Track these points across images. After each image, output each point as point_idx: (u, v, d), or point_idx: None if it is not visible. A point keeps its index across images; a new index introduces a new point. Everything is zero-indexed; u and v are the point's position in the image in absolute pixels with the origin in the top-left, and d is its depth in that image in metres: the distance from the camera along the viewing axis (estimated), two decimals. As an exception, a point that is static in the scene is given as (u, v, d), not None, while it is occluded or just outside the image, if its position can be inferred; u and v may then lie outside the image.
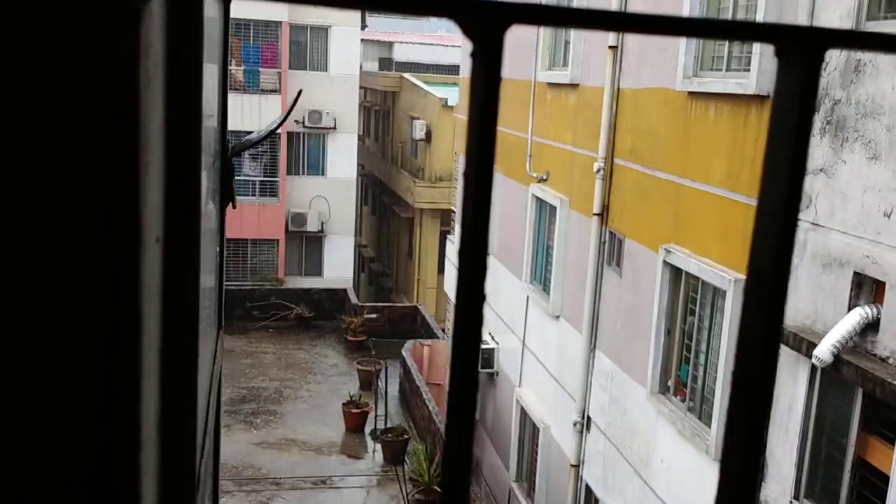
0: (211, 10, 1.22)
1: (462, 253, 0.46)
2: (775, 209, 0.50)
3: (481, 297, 0.51)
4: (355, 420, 17.50)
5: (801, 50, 0.47)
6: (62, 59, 0.40)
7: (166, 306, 0.61)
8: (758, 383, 0.52)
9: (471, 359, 0.54)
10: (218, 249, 1.56)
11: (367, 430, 17.53)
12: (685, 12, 8.31)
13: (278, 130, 25.01)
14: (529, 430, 12.82)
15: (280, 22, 24.87)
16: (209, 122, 1.28)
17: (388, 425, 17.11)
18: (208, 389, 1.19)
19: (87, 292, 0.43)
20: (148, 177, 0.46)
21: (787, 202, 0.50)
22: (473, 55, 0.46)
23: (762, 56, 7.12)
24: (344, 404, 17.74)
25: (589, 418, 10.68)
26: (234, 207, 1.62)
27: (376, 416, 17.39)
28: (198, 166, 0.70)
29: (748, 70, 7.44)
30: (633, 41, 9.68)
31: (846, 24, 6.17)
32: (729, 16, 7.92)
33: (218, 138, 1.45)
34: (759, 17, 7.13)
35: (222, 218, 1.58)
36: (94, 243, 0.43)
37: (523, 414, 12.97)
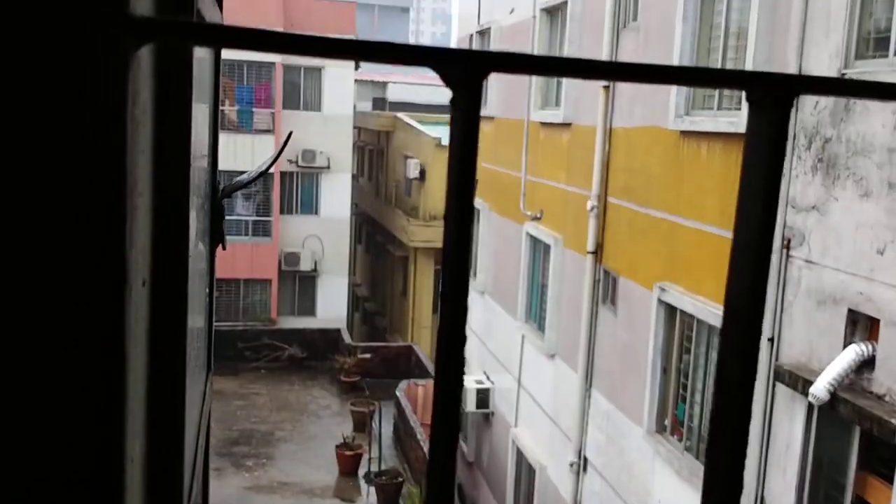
0: (201, 50, 1.24)
1: (443, 297, 0.47)
2: (749, 247, 0.51)
3: (462, 339, 0.52)
4: (349, 462, 17.30)
5: (772, 96, 0.49)
6: (50, 104, 0.41)
7: (153, 349, 0.62)
8: (736, 417, 0.52)
9: (453, 400, 0.54)
10: (208, 290, 1.57)
11: (361, 472, 17.31)
12: (675, 53, 8.44)
13: (271, 170, 25.13)
14: (526, 470, 12.69)
15: (274, 63, 25.14)
16: (200, 162, 1.29)
17: (383, 468, 16.91)
18: (196, 431, 1.18)
19: (71, 335, 0.44)
20: (135, 220, 0.47)
21: (760, 241, 0.51)
22: (452, 102, 0.47)
23: (751, 96, 7.21)
24: (337, 446, 17.55)
25: (586, 459, 10.58)
26: (223, 248, 1.63)
27: (370, 459, 17.19)
28: (186, 210, 0.71)
29: (739, 109, 7.54)
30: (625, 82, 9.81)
31: (835, 63, 6.27)
32: (719, 56, 8.04)
33: (208, 179, 1.46)
34: (749, 57, 7.24)
35: (212, 259, 1.58)
36: (78, 287, 0.44)
37: (519, 454, 12.85)
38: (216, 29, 0.41)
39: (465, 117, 0.47)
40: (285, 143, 2.77)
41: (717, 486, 0.51)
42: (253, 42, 0.43)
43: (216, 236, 1.51)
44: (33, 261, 0.43)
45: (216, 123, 1.61)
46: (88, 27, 0.41)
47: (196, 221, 1.21)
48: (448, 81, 0.48)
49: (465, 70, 0.46)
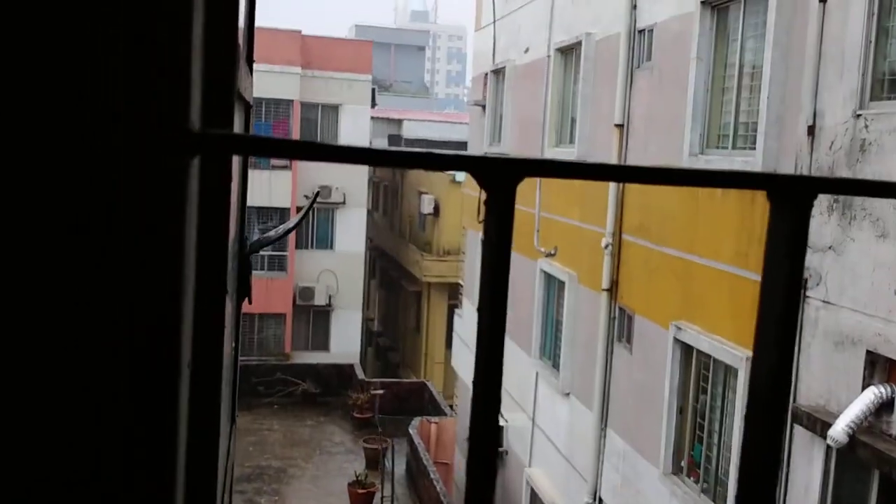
0: (236, 122, 1.28)
1: (475, 400, 0.49)
2: (772, 342, 0.53)
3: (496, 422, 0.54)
4: (361, 501, 17.15)
5: (791, 196, 0.51)
6: (123, 213, 0.45)
7: (191, 432, 0.64)
8: (765, 458, 0.54)
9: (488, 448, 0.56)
10: (234, 345, 1.59)
11: (374, 509, 17.15)
12: (689, 93, 8.49)
13: (287, 205, 25.32)
14: (540, 510, 12.54)
15: (292, 101, 25.45)
16: (231, 222, 1.33)
17: (396, 505, 16.74)
18: (222, 489, 1.19)
19: (129, 423, 0.46)
20: (183, 307, 0.50)
21: (784, 333, 0.52)
22: (487, 204, 0.50)
23: (767, 135, 7.24)
24: (350, 484, 17.42)
25: (601, 499, 10.45)
26: (250, 303, 1.66)
27: (383, 497, 17.04)
28: (223, 291, 0.74)
29: (754, 148, 7.56)
30: (638, 119, 9.87)
31: (850, 104, 6.29)
32: (733, 96, 8.09)
33: (237, 236, 1.50)
34: (763, 98, 7.27)
35: (238, 314, 1.61)
36: (136, 373, 0.46)
37: (533, 495, 12.71)
38: (260, 141, 0.44)
39: (499, 220, 0.50)
40: (312, 201, 2.82)
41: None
42: (291, 152, 0.46)
43: (243, 291, 1.54)
44: (101, 352, 0.46)
45: (245, 178, 1.65)
46: (153, 142, 0.44)
47: (228, 283, 1.24)
48: (483, 185, 0.50)
49: (500, 175, 0.49)
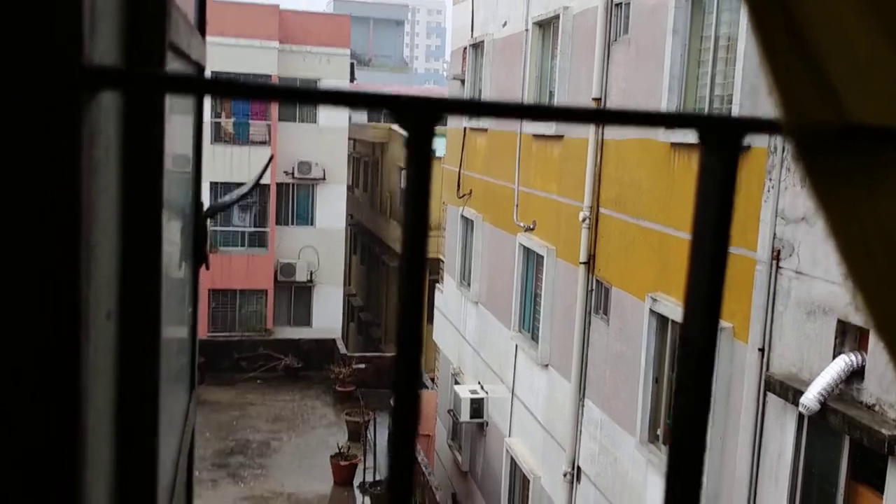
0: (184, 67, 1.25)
1: (398, 336, 0.48)
2: (702, 280, 0.52)
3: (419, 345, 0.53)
4: (344, 472, 17.26)
5: (721, 136, 0.50)
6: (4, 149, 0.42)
7: (122, 380, 0.62)
8: (697, 401, 0.53)
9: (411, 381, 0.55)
10: (191, 309, 1.57)
11: (356, 482, 17.27)
12: (666, 65, 8.49)
13: (268, 182, 25.15)
14: (520, 480, 12.68)
15: (270, 75, 25.19)
16: (181, 184, 1.30)
17: (378, 477, 16.87)
18: (177, 453, 1.18)
19: (23, 366, 0.44)
20: (93, 259, 0.48)
21: (712, 274, 0.52)
22: (407, 144, 0.49)
23: (742, 106, 7.26)
24: (332, 456, 17.52)
25: (579, 468, 10.58)
26: (206, 269, 1.64)
27: (365, 468, 17.16)
28: (158, 243, 0.72)
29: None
30: (616, 92, 9.86)
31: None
32: (709, 69, 8.09)
33: (192, 199, 1.47)
34: (739, 69, 7.29)
35: (195, 281, 1.59)
36: (31, 324, 0.45)
37: (513, 464, 12.84)
38: (164, 79, 0.42)
39: (418, 157, 0.49)
40: (266, 165, 2.80)
41: (682, 471, 0.52)
42: (203, 89, 0.44)
43: (199, 257, 1.52)
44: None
45: (200, 139, 1.62)
46: (43, 77, 0.42)
47: (178, 242, 1.22)
48: (402, 124, 0.50)
49: (419, 114, 0.48)
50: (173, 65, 0.93)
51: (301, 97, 0.49)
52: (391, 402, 0.50)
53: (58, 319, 0.44)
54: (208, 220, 1.72)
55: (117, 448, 0.63)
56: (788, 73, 0.48)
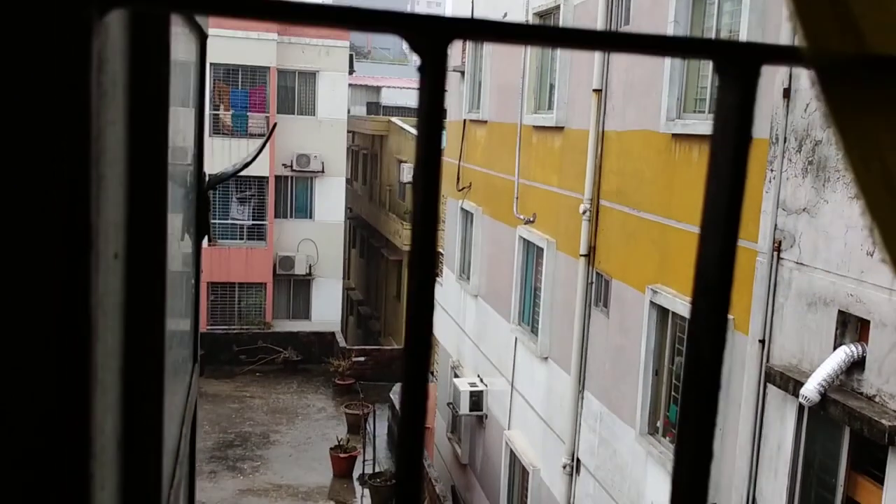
0: (185, 51, 1.24)
1: (411, 265, 0.47)
2: (718, 218, 0.51)
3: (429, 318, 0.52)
4: (343, 465, 17.28)
5: (739, 65, 0.49)
6: (8, 70, 0.41)
7: (129, 322, 0.61)
8: (706, 389, 0.52)
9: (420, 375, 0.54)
10: (194, 282, 1.56)
11: (356, 474, 17.29)
12: (665, 74, 8.46)
13: (266, 174, 25.11)
14: (519, 473, 12.68)
15: (268, 67, 25.13)
16: (184, 155, 1.29)
17: (377, 470, 16.89)
18: (181, 419, 1.17)
19: (32, 300, 0.43)
20: (102, 190, 0.47)
21: (729, 211, 0.51)
22: (420, 69, 0.48)
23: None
24: (332, 449, 17.53)
25: (578, 460, 10.58)
26: (209, 241, 1.63)
27: (364, 461, 17.18)
28: (164, 186, 0.71)
29: (729, 112, 7.55)
30: (617, 83, 9.83)
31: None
32: (709, 67, 8.05)
33: (194, 170, 1.46)
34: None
35: (198, 251, 1.58)
36: (40, 254, 0.44)
37: (512, 457, 12.84)
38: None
39: (432, 82, 0.48)
40: (270, 132, 2.79)
41: (688, 459, 0.51)
42: (211, 6, 0.43)
43: (203, 227, 1.51)
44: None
45: (202, 115, 1.61)
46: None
47: (181, 211, 1.21)
48: (414, 47, 0.48)
49: (432, 36, 0.47)
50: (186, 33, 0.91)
51: (307, 17, 0.48)
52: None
53: (68, 248, 0.43)
54: (210, 192, 1.72)
55: (125, 382, 0.63)
56: (811, 2, 0.47)
